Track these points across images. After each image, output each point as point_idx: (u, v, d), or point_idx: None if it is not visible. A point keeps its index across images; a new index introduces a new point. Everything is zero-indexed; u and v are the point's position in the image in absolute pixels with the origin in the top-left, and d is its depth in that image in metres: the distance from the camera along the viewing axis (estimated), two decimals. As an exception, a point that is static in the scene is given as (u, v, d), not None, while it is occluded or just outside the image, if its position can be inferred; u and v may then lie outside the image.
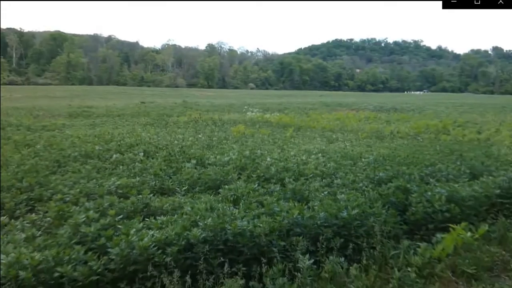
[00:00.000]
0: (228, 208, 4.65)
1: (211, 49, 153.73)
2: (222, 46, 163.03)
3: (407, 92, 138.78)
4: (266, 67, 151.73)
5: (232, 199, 5.40)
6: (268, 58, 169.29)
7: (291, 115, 19.69)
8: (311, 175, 6.71)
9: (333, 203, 4.82)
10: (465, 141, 11.85)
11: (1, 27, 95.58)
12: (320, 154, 8.54)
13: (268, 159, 7.67)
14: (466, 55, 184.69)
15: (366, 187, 6.02)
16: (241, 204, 4.96)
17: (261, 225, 4.08)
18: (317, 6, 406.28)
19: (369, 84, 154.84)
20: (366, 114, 21.35)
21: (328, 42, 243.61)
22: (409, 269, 3.92)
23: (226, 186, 5.75)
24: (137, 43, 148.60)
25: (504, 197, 6.02)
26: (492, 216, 5.54)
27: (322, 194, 5.48)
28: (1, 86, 49.62)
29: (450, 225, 4.64)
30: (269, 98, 47.93)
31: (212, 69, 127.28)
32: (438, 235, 4.64)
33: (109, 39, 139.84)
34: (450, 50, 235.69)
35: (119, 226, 4.15)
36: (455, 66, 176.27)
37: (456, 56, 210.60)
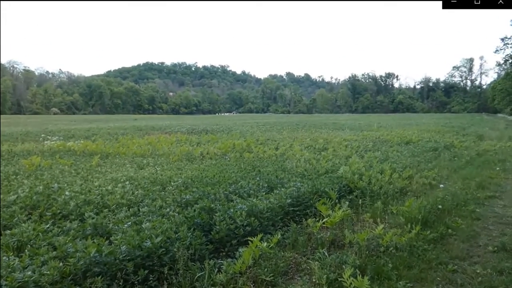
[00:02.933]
0: (8, 258, 3.90)
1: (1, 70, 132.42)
2: (15, 66, 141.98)
3: (218, 114, 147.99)
4: (72, 90, 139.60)
5: (15, 246, 4.58)
6: (74, 81, 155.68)
7: (99, 141, 18.39)
8: (115, 206, 6.32)
9: (136, 234, 4.60)
10: (265, 157, 13.09)
11: None
12: (128, 182, 8.16)
13: (67, 193, 6.89)
14: (266, 79, 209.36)
15: (173, 211, 5.99)
16: (26, 250, 4.26)
17: (48, 272, 3.55)
18: (125, 27, 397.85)
19: (183, 107, 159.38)
20: (178, 136, 21.64)
21: (139, 65, 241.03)
22: (214, 288, 4.02)
23: (8, 231, 4.87)
24: None
25: (294, 205, 6.87)
26: (286, 224, 6.24)
27: (126, 225, 5.18)
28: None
29: (249, 238, 4.99)
30: (76, 124, 43.91)
31: (3, 93, 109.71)
32: (240, 250, 4.94)
33: None
34: (252, 74, 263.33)
35: None
36: (258, 89, 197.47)
37: (258, 80, 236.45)
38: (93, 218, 5.42)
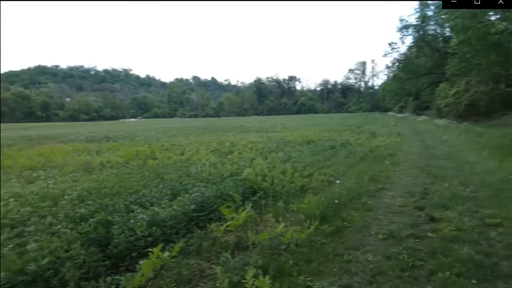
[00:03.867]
0: None
1: None
2: None
3: (122, 119, 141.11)
4: None
5: None
6: None
7: (-21, 155, 16.30)
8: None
9: (18, 258, 4.14)
10: (170, 163, 12.75)
11: None
12: (12, 199, 7.33)
13: None
14: (172, 83, 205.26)
15: (65, 228, 5.51)
16: None
17: None
18: (13, 27, 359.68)
19: (82, 113, 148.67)
20: (75, 146, 20.12)
21: (29, 69, 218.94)
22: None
23: None
24: None
25: (199, 211, 6.76)
26: (191, 230, 6.11)
27: (6, 248, 4.63)
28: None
29: (149, 249, 4.80)
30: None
31: None
32: (141, 262, 4.72)
33: None
34: (157, 78, 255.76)
35: None
36: (164, 93, 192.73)
37: (164, 84, 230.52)
38: (-34, 244, 4.75)
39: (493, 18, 22.49)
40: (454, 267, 4.62)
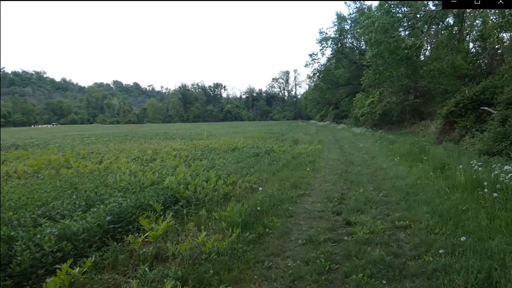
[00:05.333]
0: None
1: None
2: None
3: (34, 126, 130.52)
4: None
5: None
6: None
7: None
8: None
9: None
10: (86, 172, 12.00)
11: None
12: None
13: None
14: (90, 88, 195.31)
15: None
16: None
17: None
18: None
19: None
20: (-24, 154, 18.11)
21: None
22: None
23: None
24: None
25: (116, 222, 6.41)
26: (106, 243, 5.75)
27: None
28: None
29: (57, 266, 4.43)
30: None
31: None
32: (48, 280, 4.33)
33: None
34: (75, 82, 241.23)
35: None
36: (82, 98, 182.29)
37: (82, 89, 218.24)
38: None
39: (402, 34, 24.60)
40: (366, 269, 4.88)
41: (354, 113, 48.00)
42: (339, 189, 10.24)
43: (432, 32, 30.79)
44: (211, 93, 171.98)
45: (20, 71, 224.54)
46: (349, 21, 54.04)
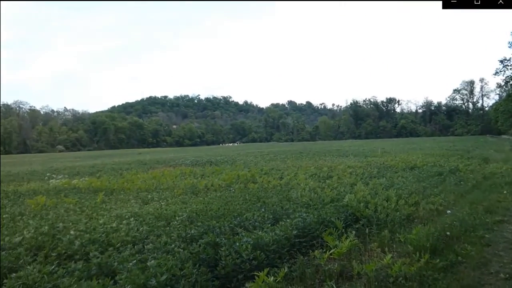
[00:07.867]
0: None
1: (7, 110, 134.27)
2: (21, 106, 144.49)
3: (222, 144, 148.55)
4: (77, 127, 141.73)
5: (20, 290, 4.53)
6: (78, 118, 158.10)
7: (103, 177, 18.42)
8: (120, 244, 6.27)
9: (141, 273, 4.55)
10: (270, 187, 13.02)
11: None
12: (132, 218, 8.12)
13: (72, 232, 6.86)
14: (268, 108, 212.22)
15: (178, 247, 5.93)
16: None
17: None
18: (128, 64, 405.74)
19: (187, 139, 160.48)
20: (182, 169, 21.63)
21: (142, 100, 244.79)
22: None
23: (14, 274, 4.82)
24: None
25: (301, 237, 6.78)
26: (293, 256, 6.13)
27: (131, 263, 5.13)
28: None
29: (255, 273, 4.92)
30: (80, 160, 44.06)
31: (9, 133, 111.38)
32: (247, 285, 4.86)
33: None
34: (255, 104, 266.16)
35: None
36: (260, 118, 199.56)
37: (260, 110, 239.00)
38: (97, 258, 5.37)
39: None
40: None
41: None
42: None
43: None
44: (384, 108, 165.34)
45: (211, 97, 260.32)
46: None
